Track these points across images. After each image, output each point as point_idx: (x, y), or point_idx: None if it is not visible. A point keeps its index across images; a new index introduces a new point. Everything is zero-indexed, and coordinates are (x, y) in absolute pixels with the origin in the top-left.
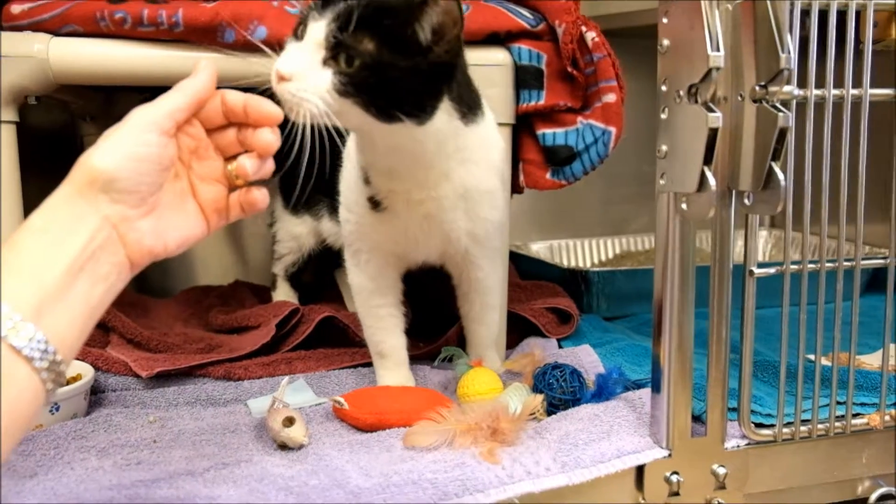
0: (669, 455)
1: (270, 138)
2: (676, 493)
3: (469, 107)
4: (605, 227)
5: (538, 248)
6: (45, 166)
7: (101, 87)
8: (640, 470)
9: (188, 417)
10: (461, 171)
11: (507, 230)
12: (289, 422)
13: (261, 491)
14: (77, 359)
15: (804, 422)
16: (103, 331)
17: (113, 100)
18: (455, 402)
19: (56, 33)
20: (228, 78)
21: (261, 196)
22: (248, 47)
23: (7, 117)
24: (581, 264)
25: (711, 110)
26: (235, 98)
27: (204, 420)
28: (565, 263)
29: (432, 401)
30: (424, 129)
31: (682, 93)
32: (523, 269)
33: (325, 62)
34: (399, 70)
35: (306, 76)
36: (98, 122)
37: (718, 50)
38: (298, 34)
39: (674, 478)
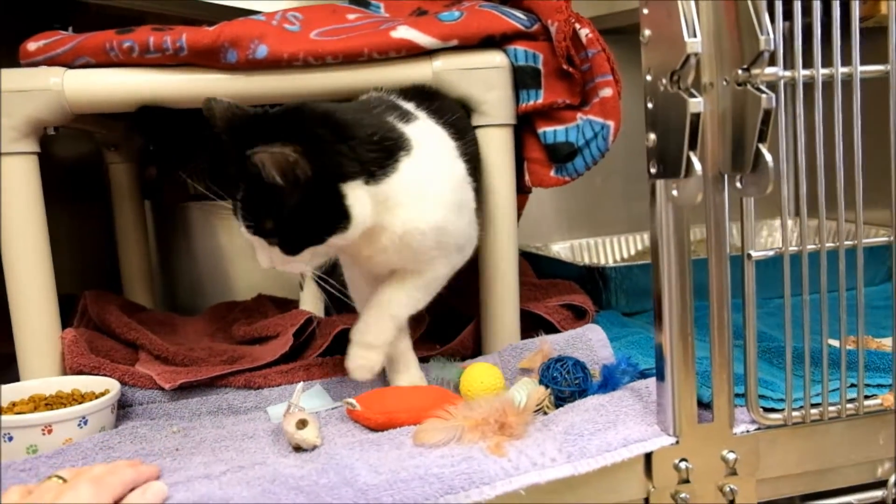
0: (677, 442)
1: None
2: (686, 481)
3: (376, 162)
4: (626, 224)
5: (559, 249)
6: (72, 195)
7: (122, 116)
8: (648, 458)
9: (210, 426)
10: (392, 218)
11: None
12: (302, 424)
13: (272, 491)
14: (105, 375)
15: (815, 405)
16: (132, 349)
17: (133, 127)
18: (463, 399)
19: (70, 66)
20: (234, 97)
21: None
22: (250, 66)
23: (28, 149)
24: (603, 262)
25: (693, 95)
26: None
27: (225, 428)
28: (587, 262)
29: (441, 398)
30: (354, 227)
31: (664, 81)
32: (542, 270)
33: (270, 244)
34: (295, 212)
35: (273, 260)
36: (121, 151)
37: (695, 36)
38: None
39: (683, 465)
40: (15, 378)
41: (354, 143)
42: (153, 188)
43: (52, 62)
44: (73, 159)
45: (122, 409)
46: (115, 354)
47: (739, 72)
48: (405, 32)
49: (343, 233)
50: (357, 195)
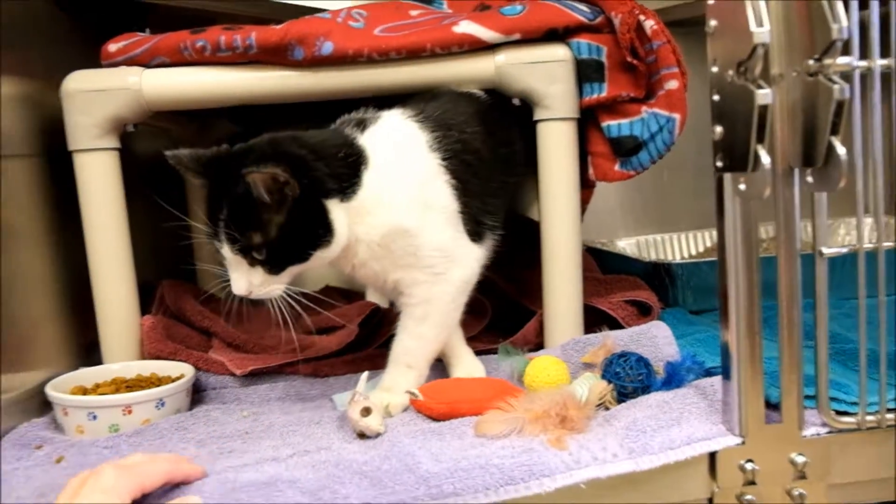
0: (743, 442)
1: None
2: (752, 482)
3: (346, 178)
4: (694, 220)
5: (625, 245)
6: (149, 191)
7: (195, 113)
8: (712, 457)
9: (278, 411)
10: (363, 228)
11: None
12: (366, 412)
13: (337, 475)
14: (181, 360)
15: (891, 410)
16: (206, 336)
17: (207, 125)
18: (525, 392)
19: (147, 66)
20: (300, 94)
21: None
22: (316, 63)
23: (109, 145)
24: (669, 259)
25: (761, 87)
26: None
27: (292, 414)
28: (653, 259)
29: (503, 390)
30: (336, 241)
31: (731, 72)
32: (607, 266)
33: (252, 265)
34: (283, 229)
35: (252, 284)
36: (196, 147)
37: (762, 26)
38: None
39: (748, 466)
40: (98, 362)
41: (328, 162)
42: None
43: (130, 62)
44: (151, 155)
45: (196, 393)
46: (190, 341)
47: (811, 62)
48: (467, 27)
49: (326, 248)
50: (336, 211)
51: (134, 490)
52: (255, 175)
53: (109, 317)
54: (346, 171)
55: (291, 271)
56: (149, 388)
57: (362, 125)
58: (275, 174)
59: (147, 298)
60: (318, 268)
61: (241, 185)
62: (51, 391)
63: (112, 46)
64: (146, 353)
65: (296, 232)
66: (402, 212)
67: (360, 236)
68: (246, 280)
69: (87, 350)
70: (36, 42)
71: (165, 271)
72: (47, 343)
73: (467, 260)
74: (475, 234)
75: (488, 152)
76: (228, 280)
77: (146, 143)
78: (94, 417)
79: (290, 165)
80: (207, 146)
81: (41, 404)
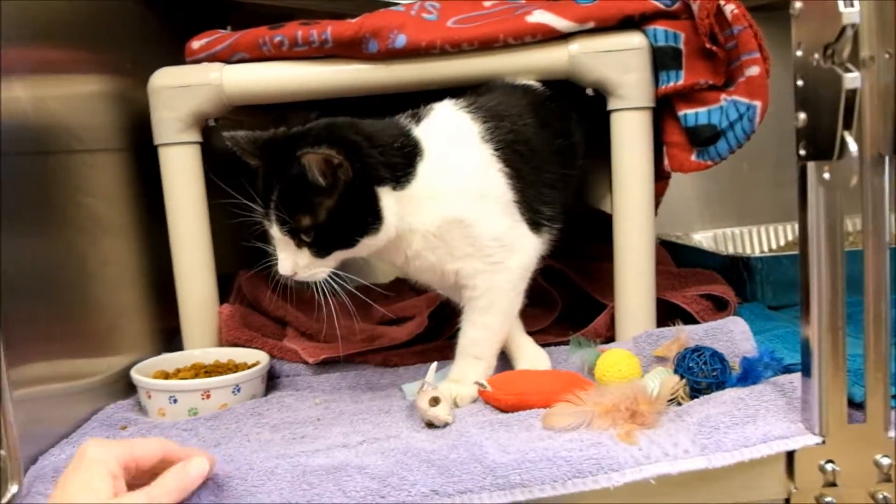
0: (823, 442)
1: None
2: (833, 484)
3: (400, 168)
4: (775, 213)
5: (701, 238)
6: (227, 183)
7: (272, 106)
8: (790, 457)
9: (349, 400)
10: (418, 219)
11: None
12: (434, 402)
13: (405, 462)
14: (256, 348)
15: None
16: (281, 325)
17: (283, 117)
18: (594, 385)
19: (228, 62)
20: (374, 87)
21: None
22: (390, 56)
23: (191, 139)
24: (748, 253)
25: (849, 70)
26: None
27: (362, 402)
28: (731, 252)
29: (572, 383)
30: (384, 229)
31: (817, 56)
32: (682, 260)
33: (299, 246)
34: (333, 213)
35: (298, 265)
36: None
37: (852, 5)
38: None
39: (829, 467)
40: (179, 348)
41: (383, 150)
42: None
43: (212, 59)
44: (231, 149)
45: (271, 380)
46: (265, 329)
47: None
48: (541, 17)
49: (374, 235)
50: (387, 199)
51: (124, 457)
52: (310, 156)
53: (190, 305)
54: (401, 160)
55: (337, 256)
56: (226, 374)
57: (417, 117)
58: (329, 156)
59: (226, 288)
60: (370, 258)
61: (296, 167)
62: (135, 375)
63: (195, 44)
64: (224, 341)
65: (345, 217)
66: (457, 202)
67: (414, 226)
68: (292, 261)
69: (169, 336)
70: (126, 41)
71: (244, 262)
72: (132, 329)
73: (525, 248)
74: (532, 224)
75: (542, 143)
76: (275, 260)
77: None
78: (175, 401)
79: (345, 149)
80: None
81: (126, 387)
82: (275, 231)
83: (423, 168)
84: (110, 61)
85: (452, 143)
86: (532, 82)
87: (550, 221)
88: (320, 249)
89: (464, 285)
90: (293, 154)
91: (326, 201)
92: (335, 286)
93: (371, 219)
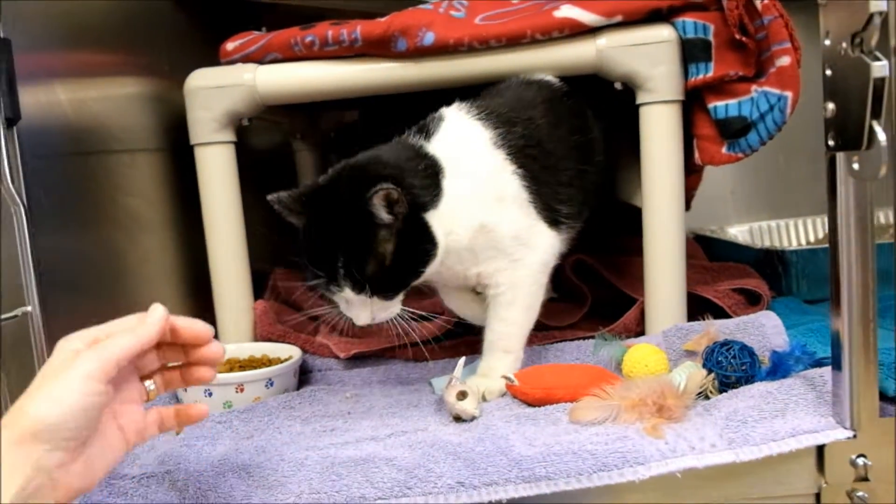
0: (854, 436)
1: (218, 350)
2: (865, 478)
3: (432, 189)
4: (812, 206)
5: (736, 232)
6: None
7: (306, 106)
8: (820, 451)
9: (379, 394)
10: (453, 235)
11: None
12: (462, 396)
13: (431, 455)
14: (289, 343)
15: None
16: (313, 320)
17: (316, 117)
18: (621, 379)
19: (261, 62)
20: (404, 85)
21: (204, 408)
22: (418, 53)
23: (226, 138)
24: (784, 246)
25: (877, 59)
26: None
27: (392, 396)
28: (766, 246)
29: (599, 377)
30: (440, 251)
31: (845, 45)
32: (716, 254)
33: (369, 296)
34: (396, 252)
35: (374, 313)
36: (306, 139)
37: None
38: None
39: (860, 461)
40: None
41: (414, 176)
42: None
43: (246, 59)
44: (267, 148)
45: (303, 375)
46: (298, 325)
47: None
48: (568, 11)
49: (434, 261)
50: (435, 222)
51: (104, 371)
52: (379, 194)
53: (226, 301)
54: (431, 181)
55: (402, 292)
56: (259, 369)
57: (426, 132)
58: (389, 190)
59: (261, 285)
60: None
61: (356, 215)
62: None
63: (229, 45)
64: (258, 336)
65: (407, 252)
66: (478, 209)
67: (450, 239)
68: (368, 311)
69: None
70: (162, 43)
71: (278, 259)
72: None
73: (543, 245)
74: (550, 222)
75: (557, 142)
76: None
77: (261, 136)
78: (210, 394)
79: (398, 186)
80: (317, 137)
81: None
82: (347, 294)
83: (448, 183)
84: (148, 63)
85: (465, 152)
86: (548, 77)
87: (569, 218)
88: (390, 291)
89: (486, 284)
90: (339, 203)
91: (388, 243)
92: (406, 316)
93: (429, 246)
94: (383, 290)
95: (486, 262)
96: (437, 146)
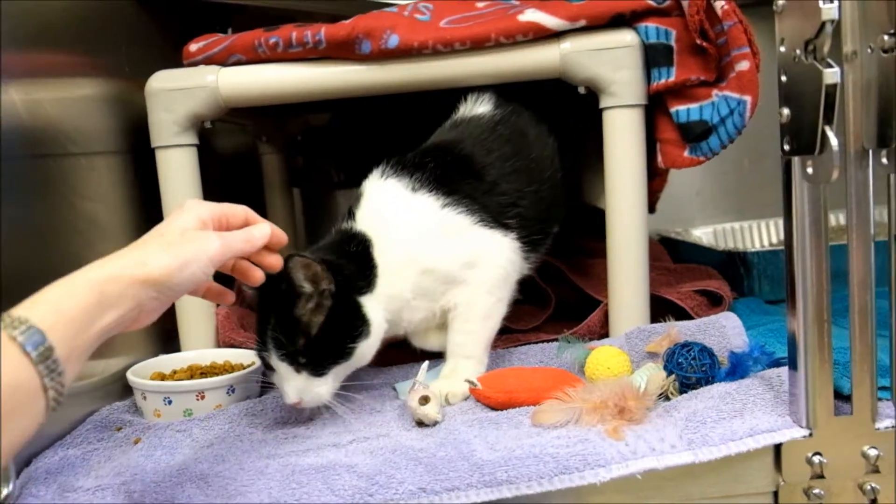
0: (810, 434)
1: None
2: (820, 476)
3: (365, 272)
4: (776, 208)
5: (701, 234)
6: (229, 183)
7: (270, 108)
8: (777, 450)
9: (342, 399)
10: (400, 294)
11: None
12: (424, 400)
13: (393, 461)
14: (253, 348)
15: None
16: None
17: (283, 120)
18: (584, 381)
19: (224, 64)
20: (369, 88)
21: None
22: (383, 56)
23: (188, 141)
24: (748, 248)
25: (829, 66)
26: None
27: (355, 401)
28: (730, 248)
29: (561, 380)
30: (374, 332)
31: (799, 51)
32: (680, 256)
33: (297, 370)
34: (324, 326)
35: (300, 390)
36: (271, 143)
37: (832, 1)
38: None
39: (816, 459)
40: (177, 349)
41: (349, 260)
42: (301, 177)
43: (209, 61)
44: (231, 151)
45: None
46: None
47: (886, 38)
48: (532, 15)
49: (367, 339)
50: (370, 304)
51: (216, 211)
52: (296, 260)
53: (187, 306)
54: (362, 259)
55: (337, 372)
56: (221, 375)
57: (351, 212)
58: (310, 262)
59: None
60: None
61: (284, 286)
62: (131, 376)
63: (193, 46)
64: (220, 342)
65: (335, 327)
66: (418, 258)
67: (397, 306)
68: (294, 387)
69: (167, 338)
70: (123, 44)
71: None
72: (129, 331)
73: (497, 261)
74: (503, 227)
75: (490, 169)
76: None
77: (226, 140)
78: (170, 402)
79: (324, 265)
80: (283, 140)
81: (123, 388)
82: (273, 360)
83: (377, 252)
84: (108, 64)
85: (389, 213)
86: (480, 110)
87: (526, 233)
88: (317, 366)
89: (447, 310)
90: (280, 277)
91: (316, 317)
92: (340, 401)
93: (359, 322)
94: (311, 364)
95: (444, 296)
96: (361, 222)
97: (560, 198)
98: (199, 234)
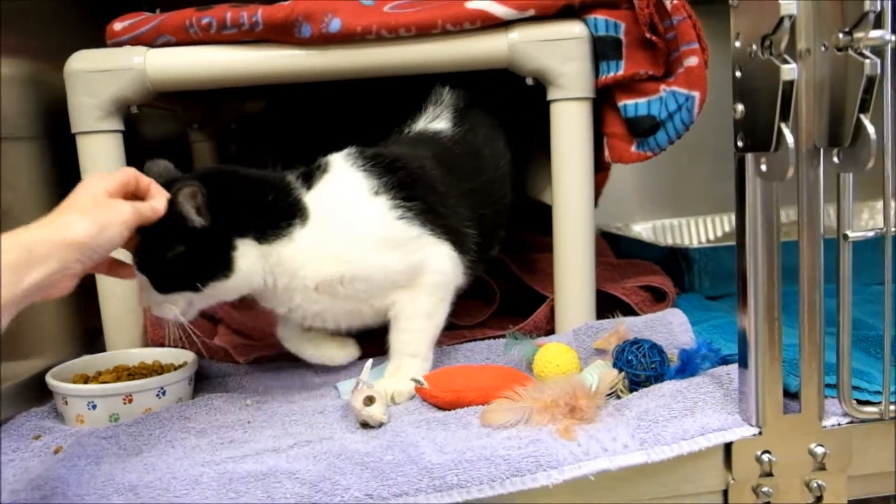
0: (760, 433)
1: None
2: (769, 474)
3: (270, 224)
4: (713, 205)
5: (640, 229)
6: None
7: (202, 94)
8: (727, 448)
9: (281, 400)
10: (295, 279)
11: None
12: (369, 401)
13: (337, 466)
14: (182, 347)
15: None
16: (213, 322)
17: (215, 106)
18: (533, 380)
19: (152, 45)
20: (309, 74)
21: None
22: (324, 41)
23: (112, 127)
24: (687, 244)
25: (786, 62)
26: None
27: (296, 402)
28: (670, 243)
29: (510, 378)
30: (235, 278)
31: (755, 47)
32: (622, 251)
33: (151, 282)
34: (187, 255)
35: (149, 300)
36: (203, 130)
37: None
38: None
39: (765, 457)
40: (102, 349)
41: (252, 202)
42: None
43: (135, 41)
44: (159, 138)
45: (199, 382)
46: (194, 327)
47: (840, 36)
48: (480, 3)
49: (223, 282)
50: (245, 251)
51: (134, 226)
52: (184, 190)
53: (112, 303)
54: (271, 216)
55: (188, 297)
56: (150, 377)
57: (308, 179)
58: (194, 190)
59: None
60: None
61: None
62: (50, 380)
63: (117, 25)
64: (149, 340)
65: (195, 258)
66: (351, 260)
67: (292, 284)
68: (147, 295)
69: (91, 337)
70: (39, 22)
71: None
72: (48, 330)
73: (435, 266)
74: (455, 243)
75: (449, 188)
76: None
77: (155, 126)
78: (94, 407)
79: (210, 191)
80: (216, 128)
81: (41, 393)
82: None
83: (305, 230)
84: (20, 43)
85: (344, 204)
86: (440, 126)
87: (476, 246)
88: (162, 283)
89: (381, 309)
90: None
91: (180, 239)
92: (183, 332)
93: (222, 265)
94: (155, 280)
95: (379, 297)
96: (313, 197)
97: (505, 221)
98: (111, 201)
